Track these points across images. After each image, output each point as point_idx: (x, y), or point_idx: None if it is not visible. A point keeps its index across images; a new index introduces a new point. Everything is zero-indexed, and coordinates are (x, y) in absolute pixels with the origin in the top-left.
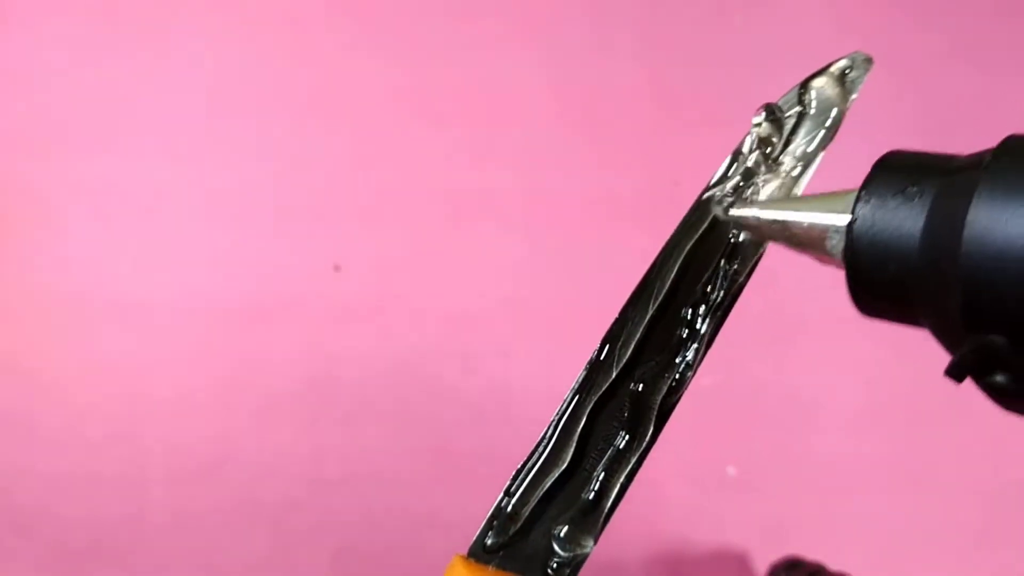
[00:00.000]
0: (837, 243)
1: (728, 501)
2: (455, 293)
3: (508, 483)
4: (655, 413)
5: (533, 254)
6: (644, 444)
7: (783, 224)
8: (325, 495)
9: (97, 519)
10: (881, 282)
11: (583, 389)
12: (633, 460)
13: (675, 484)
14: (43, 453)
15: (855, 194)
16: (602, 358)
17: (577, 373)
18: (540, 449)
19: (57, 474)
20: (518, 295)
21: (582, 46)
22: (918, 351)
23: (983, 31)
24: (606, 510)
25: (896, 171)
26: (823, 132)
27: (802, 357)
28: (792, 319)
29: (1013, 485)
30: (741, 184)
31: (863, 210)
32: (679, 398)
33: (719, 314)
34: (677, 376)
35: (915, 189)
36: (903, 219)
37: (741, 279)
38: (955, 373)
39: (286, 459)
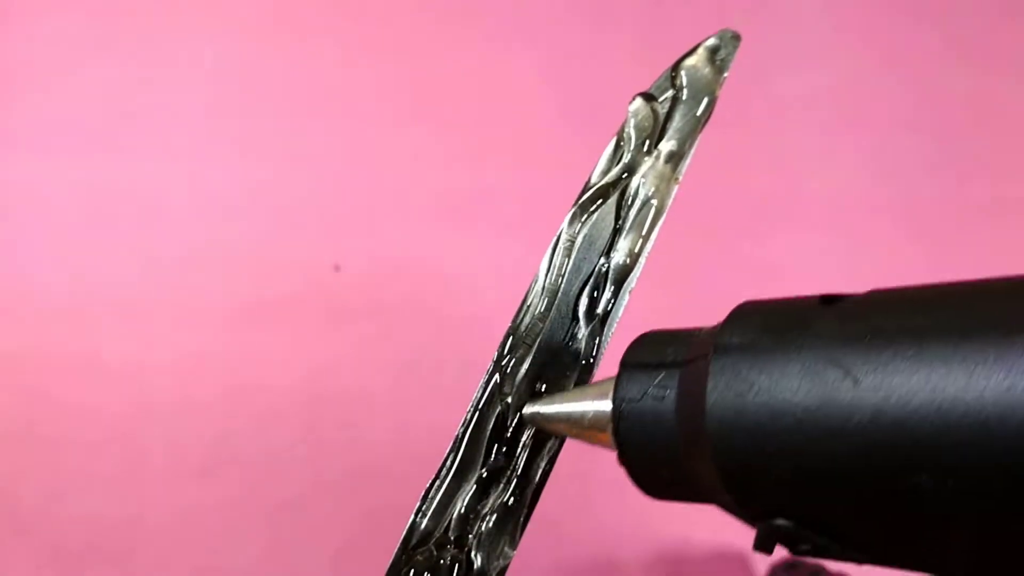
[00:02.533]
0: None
1: None
2: (455, 293)
3: (418, 503)
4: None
5: (533, 254)
6: (555, 440)
7: (568, 418)
8: (325, 495)
9: (97, 519)
10: (660, 479)
11: (483, 402)
12: (545, 460)
13: None
14: (43, 453)
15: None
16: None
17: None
18: (448, 462)
19: (57, 474)
20: (518, 295)
21: (582, 46)
22: None
23: (983, 31)
24: (523, 517)
25: (639, 369)
26: (698, 114)
27: None
28: None
29: None
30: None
31: (622, 411)
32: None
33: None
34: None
35: (659, 388)
36: (659, 418)
37: None
38: (761, 550)
39: (286, 459)
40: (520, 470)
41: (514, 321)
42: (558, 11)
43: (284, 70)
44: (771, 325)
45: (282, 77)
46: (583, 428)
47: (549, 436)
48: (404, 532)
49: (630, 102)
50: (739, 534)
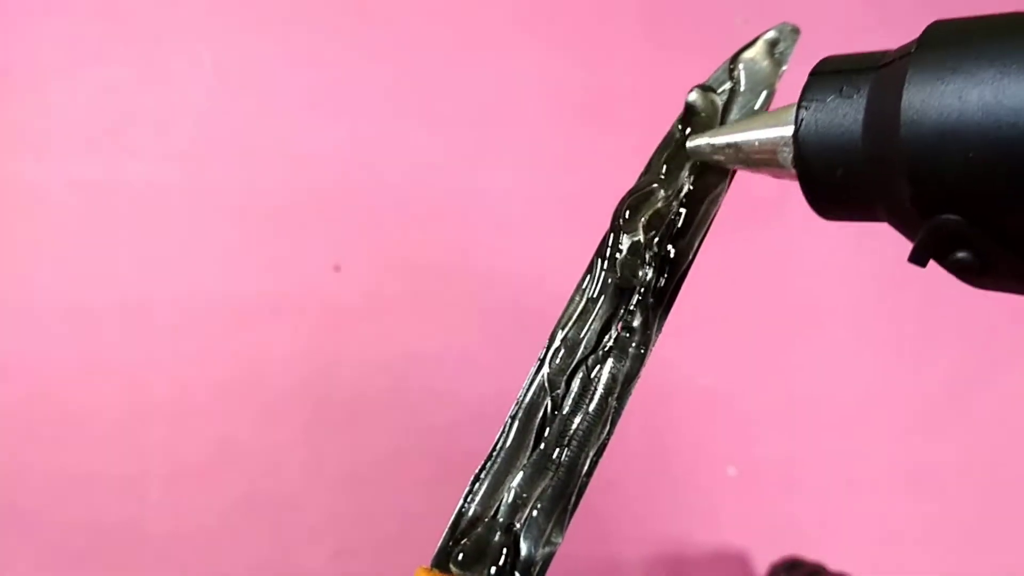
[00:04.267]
0: (787, 155)
1: (728, 501)
2: (455, 293)
3: (467, 488)
4: (616, 396)
5: (533, 253)
6: (605, 432)
7: (736, 146)
8: (325, 495)
9: (97, 520)
10: (834, 184)
11: (534, 384)
12: (594, 449)
13: (675, 484)
14: (43, 453)
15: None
16: (552, 351)
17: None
18: (497, 449)
19: (57, 474)
20: (519, 294)
21: (582, 46)
22: (918, 350)
23: None
24: (571, 504)
25: (830, 75)
26: (756, 107)
27: (802, 357)
28: (793, 319)
29: (1013, 485)
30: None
31: (804, 117)
32: (638, 371)
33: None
34: (636, 349)
35: (851, 88)
36: (844, 118)
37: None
38: (917, 258)
39: (286, 459)
40: (568, 460)
41: (562, 316)
42: (560, 11)
43: (284, 70)
44: (971, 30)
45: (282, 77)
46: (753, 153)
47: (600, 427)
48: (452, 517)
49: (688, 93)
50: (739, 534)
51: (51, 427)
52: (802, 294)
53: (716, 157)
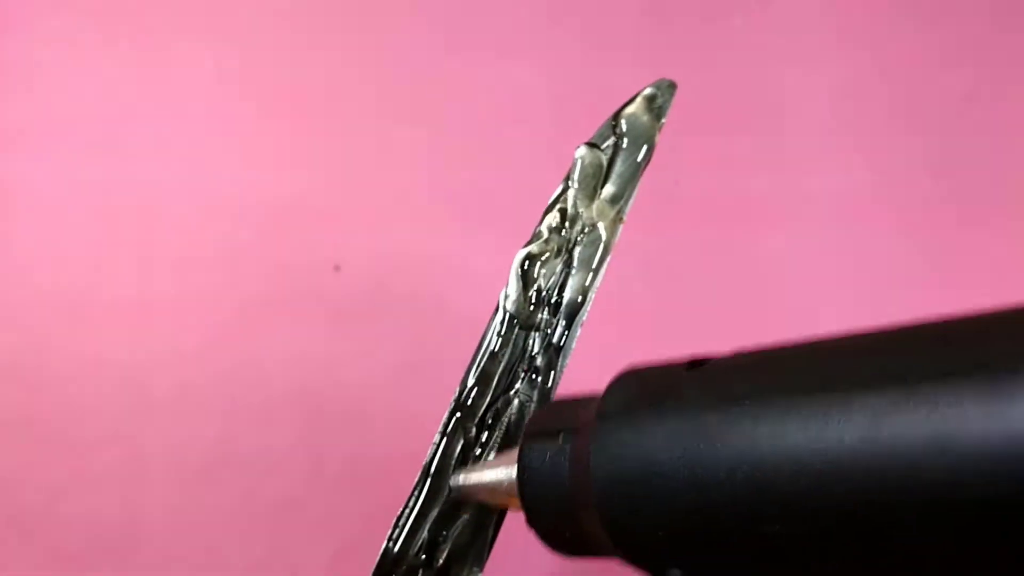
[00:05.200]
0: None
1: None
2: (456, 293)
3: (391, 529)
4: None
5: None
6: None
7: (485, 487)
8: (325, 495)
9: (97, 519)
10: (558, 531)
11: (449, 426)
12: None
13: None
14: (43, 453)
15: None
16: (464, 395)
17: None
18: (416, 491)
19: (57, 474)
20: None
21: (581, 47)
22: None
23: (983, 31)
24: (489, 538)
25: (543, 434)
26: (638, 160)
27: None
28: (792, 319)
29: None
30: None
31: (525, 476)
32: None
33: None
34: (542, 389)
35: (558, 455)
36: (557, 483)
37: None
38: None
39: (286, 459)
40: None
41: (474, 358)
42: (558, 12)
43: (284, 70)
44: (647, 390)
45: (283, 77)
46: (500, 496)
47: None
48: (378, 558)
49: (576, 149)
50: None
51: (51, 427)
52: (802, 293)
53: (475, 496)
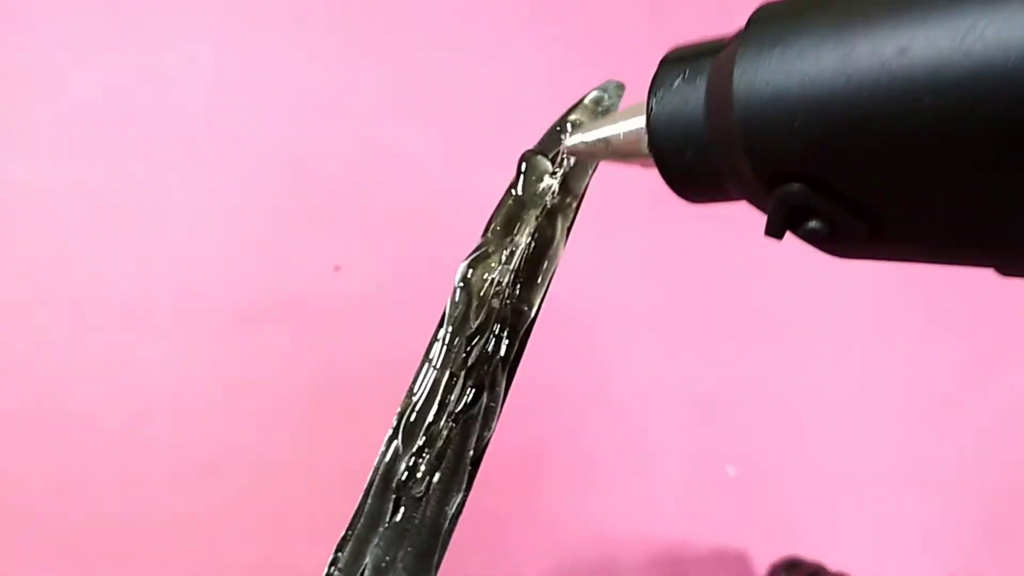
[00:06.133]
0: (645, 142)
1: (728, 501)
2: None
3: (332, 555)
4: (469, 454)
5: None
6: (463, 489)
7: (606, 141)
8: (325, 495)
9: (97, 519)
10: (686, 166)
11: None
12: (453, 507)
13: (675, 484)
14: (43, 453)
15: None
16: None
17: (573, 375)
18: (358, 516)
19: (57, 474)
20: None
21: (581, 46)
22: (919, 350)
23: None
24: (435, 561)
25: (675, 63)
26: (588, 165)
27: (801, 356)
28: (792, 319)
29: (1013, 484)
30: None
31: (654, 105)
32: (490, 428)
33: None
34: (487, 408)
35: (693, 72)
36: (687, 102)
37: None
38: (771, 231)
39: (286, 459)
40: (429, 519)
41: (418, 372)
42: (559, 11)
43: (285, 69)
44: (794, 6)
45: (283, 76)
46: (620, 145)
47: (456, 486)
48: None
49: (520, 160)
50: (739, 534)
51: (51, 427)
52: (802, 294)
53: (589, 152)
